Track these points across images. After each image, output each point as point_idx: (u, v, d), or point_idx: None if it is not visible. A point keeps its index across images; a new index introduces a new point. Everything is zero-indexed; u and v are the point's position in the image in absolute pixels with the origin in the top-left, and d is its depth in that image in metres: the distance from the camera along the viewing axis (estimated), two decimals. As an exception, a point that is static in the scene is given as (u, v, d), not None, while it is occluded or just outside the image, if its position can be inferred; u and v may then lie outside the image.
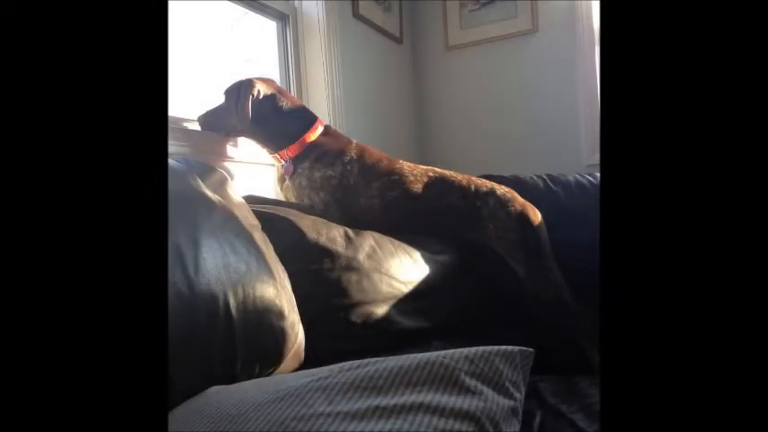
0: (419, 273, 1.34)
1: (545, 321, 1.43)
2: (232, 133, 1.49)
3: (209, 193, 0.93)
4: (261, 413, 0.58)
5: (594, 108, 2.33)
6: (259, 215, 1.08)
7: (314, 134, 1.47)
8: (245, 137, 1.51)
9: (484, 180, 1.57)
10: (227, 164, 1.51)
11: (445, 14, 2.63)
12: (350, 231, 1.26)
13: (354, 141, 1.52)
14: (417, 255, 1.37)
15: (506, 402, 0.60)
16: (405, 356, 0.63)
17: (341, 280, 1.16)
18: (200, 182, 0.93)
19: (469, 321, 1.40)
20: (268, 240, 1.02)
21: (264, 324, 0.88)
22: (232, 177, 1.11)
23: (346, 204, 1.43)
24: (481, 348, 0.64)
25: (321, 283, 1.13)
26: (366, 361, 0.64)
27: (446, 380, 0.59)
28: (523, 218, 1.49)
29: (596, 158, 2.28)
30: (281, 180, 1.52)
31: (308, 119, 1.49)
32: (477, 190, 1.52)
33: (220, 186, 0.99)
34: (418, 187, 1.49)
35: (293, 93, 2.00)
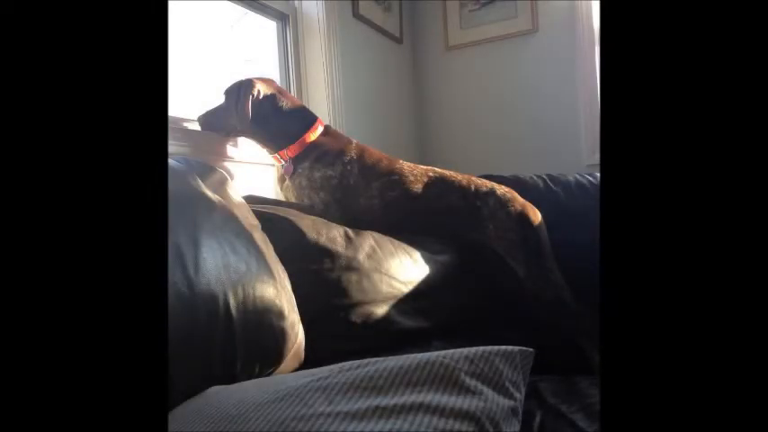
0: (419, 273, 1.34)
1: (545, 321, 1.43)
2: (232, 133, 1.49)
3: (209, 193, 0.93)
4: (261, 413, 0.58)
5: (594, 108, 2.33)
6: (259, 215, 1.08)
7: (314, 134, 1.47)
8: (245, 137, 1.51)
9: (484, 180, 1.57)
10: (227, 164, 1.51)
11: (445, 14, 2.63)
12: (350, 231, 1.26)
13: (354, 141, 1.52)
14: (417, 255, 1.37)
15: (506, 402, 0.60)
16: (405, 356, 0.63)
17: (341, 280, 1.16)
18: (200, 182, 0.93)
19: (469, 321, 1.40)
20: (268, 240, 1.02)
21: (264, 324, 0.88)
22: (232, 177, 1.11)
23: (346, 204, 1.43)
24: (481, 348, 0.64)
25: (321, 283, 1.13)
26: (366, 361, 0.64)
27: (446, 380, 0.59)
28: (523, 218, 1.49)
29: (596, 158, 2.28)
30: (281, 180, 1.52)
31: (308, 119, 1.49)
32: (477, 190, 1.52)
33: (220, 186, 0.99)
34: (418, 187, 1.49)
35: (293, 93, 2.00)
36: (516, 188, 1.59)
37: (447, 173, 1.55)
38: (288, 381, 0.64)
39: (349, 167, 1.45)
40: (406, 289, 1.28)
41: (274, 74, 2.00)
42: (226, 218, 0.92)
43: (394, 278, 1.26)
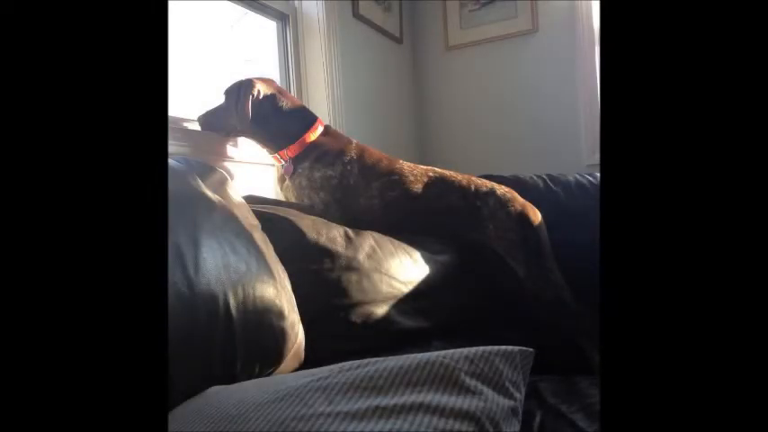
0: (419, 273, 1.34)
1: (545, 321, 1.43)
2: (232, 133, 1.49)
3: (209, 193, 0.93)
4: (261, 413, 0.58)
5: (594, 108, 2.33)
6: (259, 215, 1.08)
7: (314, 134, 1.47)
8: (245, 137, 1.51)
9: (484, 180, 1.57)
10: (227, 164, 1.51)
11: (445, 14, 2.63)
12: (350, 231, 1.26)
13: (354, 141, 1.52)
14: (417, 255, 1.37)
15: (506, 402, 0.60)
16: (405, 356, 0.63)
17: (341, 280, 1.16)
18: (200, 182, 0.93)
19: (469, 321, 1.40)
20: (268, 240, 1.02)
21: (264, 324, 0.88)
22: (232, 177, 1.11)
23: (346, 204, 1.43)
24: (481, 348, 0.64)
25: (321, 283, 1.13)
26: (366, 361, 0.64)
27: (446, 380, 0.59)
28: (523, 218, 1.49)
29: (596, 158, 2.28)
30: (281, 180, 1.52)
31: (308, 119, 1.49)
32: (477, 190, 1.52)
33: (220, 186, 0.99)
34: (418, 187, 1.49)
35: (293, 93, 2.00)
36: (516, 188, 1.59)
37: (447, 173, 1.55)
38: (288, 381, 0.64)
39: (349, 167, 1.45)
40: (406, 289, 1.28)
41: (274, 74, 2.00)
42: (226, 218, 0.92)
43: (394, 278, 1.26)
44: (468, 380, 0.60)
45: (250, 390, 0.66)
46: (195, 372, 0.76)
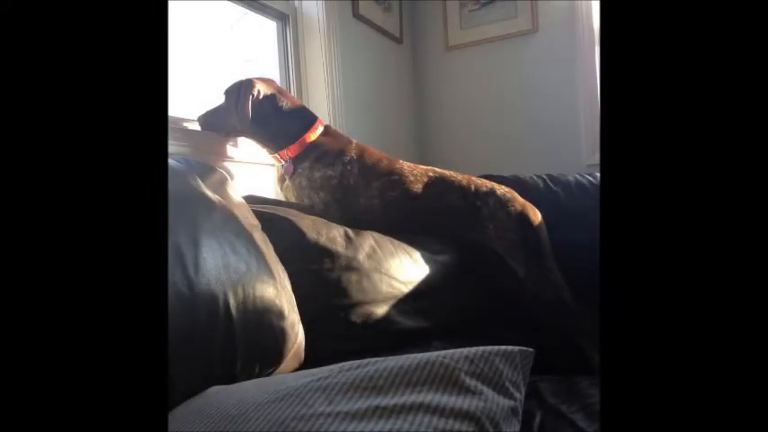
0: (419, 273, 1.34)
1: (545, 321, 1.43)
2: (232, 133, 1.49)
3: (209, 193, 0.93)
4: (261, 413, 0.58)
5: (594, 108, 2.33)
6: (259, 215, 1.08)
7: (314, 134, 1.47)
8: (245, 137, 1.51)
9: (484, 180, 1.57)
10: (227, 164, 1.51)
11: (445, 14, 2.63)
12: (350, 231, 1.26)
13: (354, 141, 1.52)
14: (417, 255, 1.37)
15: (506, 402, 0.60)
16: (405, 356, 0.63)
17: (341, 280, 1.16)
18: (200, 182, 0.93)
19: (469, 321, 1.40)
20: (268, 240, 1.02)
21: (264, 324, 0.88)
22: (232, 177, 1.11)
23: (346, 204, 1.43)
24: (481, 348, 0.64)
25: (321, 283, 1.13)
26: (366, 361, 0.64)
27: (446, 380, 0.59)
28: (523, 218, 1.49)
29: (596, 158, 2.28)
30: (281, 180, 1.52)
31: (308, 119, 1.49)
32: (477, 190, 1.52)
33: (220, 186, 0.99)
34: (418, 187, 1.49)
35: (293, 93, 2.00)
36: (516, 188, 1.59)
37: (447, 173, 1.55)
38: (288, 381, 0.64)
39: (349, 167, 1.45)
40: (406, 289, 1.28)
41: (274, 74, 2.00)
42: (226, 218, 0.92)
43: (394, 278, 1.26)
44: (468, 380, 0.60)
45: (250, 390, 0.66)
46: (195, 372, 0.76)
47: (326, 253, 1.16)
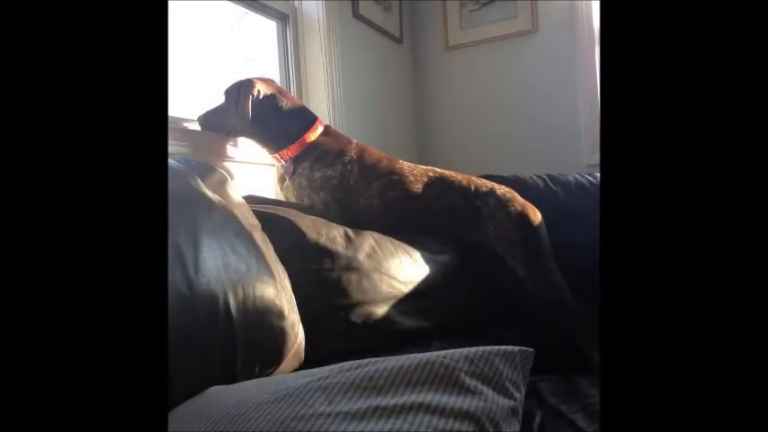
0: (419, 273, 1.34)
1: (545, 321, 1.43)
2: (232, 133, 1.49)
3: (209, 193, 0.93)
4: (261, 413, 0.58)
5: (594, 108, 2.33)
6: (259, 215, 1.08)
7: (314, 134, 1.47)
8: (245, 137, 1.51)
9: (484, 180, 1.57)
10: (227, 164, 1.51)
11: (445, 14, 2.63)
12: (350, 231, 1.26)
13: (354, 141, 1.52)
14: (417, 255, 1.37)
15: (506, 402, 0.60)
16: (405, 356, 0.63)
17: (341, 280, 1.16)
18: (200, 182, 0.93)
19: (469, 321, 1.40)
20: (268, 240, 1.02)
21: (264, 324, 0.88)
22: (232, 177, 1.11)
23: (346, 204, 1.43)
24: (481, 348, 0.64)
25: (321, 283, 1.13)
26: (366, 361, 0.64)
27: (446, 380, 0.59)
28: (523, 218, 1.49)
29: (596, 158, 2.28)
30: (281, 180, 1.52)
31: (308, 119, 1.49)
32: (477, 190, 1.52)
33: (220, 186, 0.99)
34: (418, 187, 1.49)
35: (293, 93, 2.00)
36: (516, 188, 1.59)
37: (447, 173, 1.55)
38: (288, 381, 0.64)
39: (349, 167, 1.45)
40: (406, 289, 1.28)
41: (274, 74, 2.00)
42: (226, 218, 0.92)
43: (394, 278, 1.26)
44: (468, 380, 0.60)
45: (250, 390, 0.66)
46: (195, 372, 0.76)
47: (326, 253, 1.16)
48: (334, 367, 0.65)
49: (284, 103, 1.46)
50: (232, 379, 0.80)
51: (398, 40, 2.56)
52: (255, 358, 0.86)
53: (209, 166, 1.03)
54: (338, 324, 1.13)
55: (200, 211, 0.88)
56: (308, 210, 1.36)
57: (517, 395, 0.62)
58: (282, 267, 1.01)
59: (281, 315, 0.91)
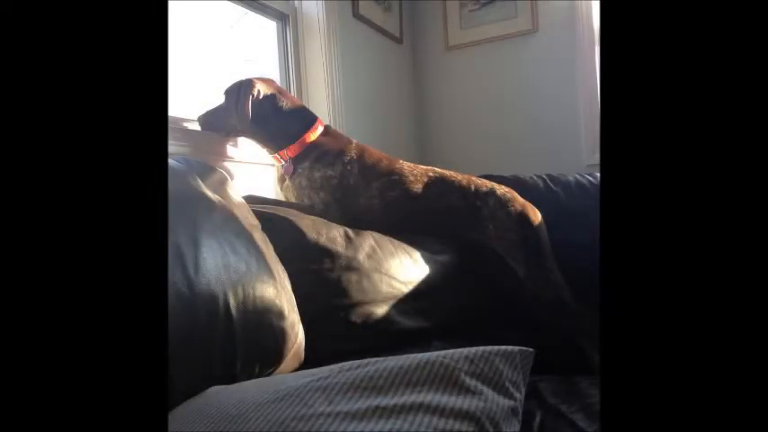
0: (419, 273, 1.34)
1: (545, 321, 1.43)
2: (232, 133, 1.49)
3: (209, 193, 0.93)
4: (261, 413, 0.58)
5: (594, 108, 2.33)
6: (259, 215, 1.08)
7: (314, 134, 1.47)
8: (245, 137, 1.51)
9: (484, 180, 1.57)
10: (227, 164, 1.51)
11: (445, 14, 2.63)
12: (350, 231, 1.26)
13: (354, 141, 1.52)
14: (417, 255, 1.37)
15: (506, 402, 0.60)
16: (405, 356, 0.63)
17: (341, 280, 1.16)
18: (200, 182, 0.93)
19: (469, 321, 1.40)
20: (268, 240, 1.02)
21: (264, 324, 0.88)
22: (232, 177, 1.11)
23: (346, 204, 1.43)
24: (481, 348, 0.64)
25: (321, 283, 1.13)
26: (366, 361, 0.64)
27: (446, 380, 0.59)
28: (523, 218, 1.49)
29: (596, 158, 2.28)
30: (281, 180, 1.52)
31: (308, 119, 1.49)
32: (477, 190, 1.52)
33: (220, 186, 0.99)
34: (418, 187, 1.49)
35: (293, 93, 2.00)
36: (516, 188, 1.59)
37: (447, 173, 1.55)
38: (288, 381, 0.64)
39: (349, 167, 1.45)
40: (406, 289, 1.28)
41: (274, 74, 2.00)
42: (226, 218, 0.92)
43: (394, 278, 1.26)
44: (468, 380, 0.60)
45: (250, 390, 0.66)
46: (195, 372, 0.76)
47: (326, 253, 1.16)
48: (334, 367, 0.65)
49: (284, 103, 1.46)
50: (232, 379, 0.80)
51: (398, 40, 2.56)
52: (255, 358, 0.86)
53: (209, 166, 1.03)
54: (338, 324, 1.13)
55: (200, 211, 0.88)
56: (308, 210, 1.36)
57: (517, 395, 0.62)
58: (282, 267, 1.01)
59: (281, 315, 0.91)
